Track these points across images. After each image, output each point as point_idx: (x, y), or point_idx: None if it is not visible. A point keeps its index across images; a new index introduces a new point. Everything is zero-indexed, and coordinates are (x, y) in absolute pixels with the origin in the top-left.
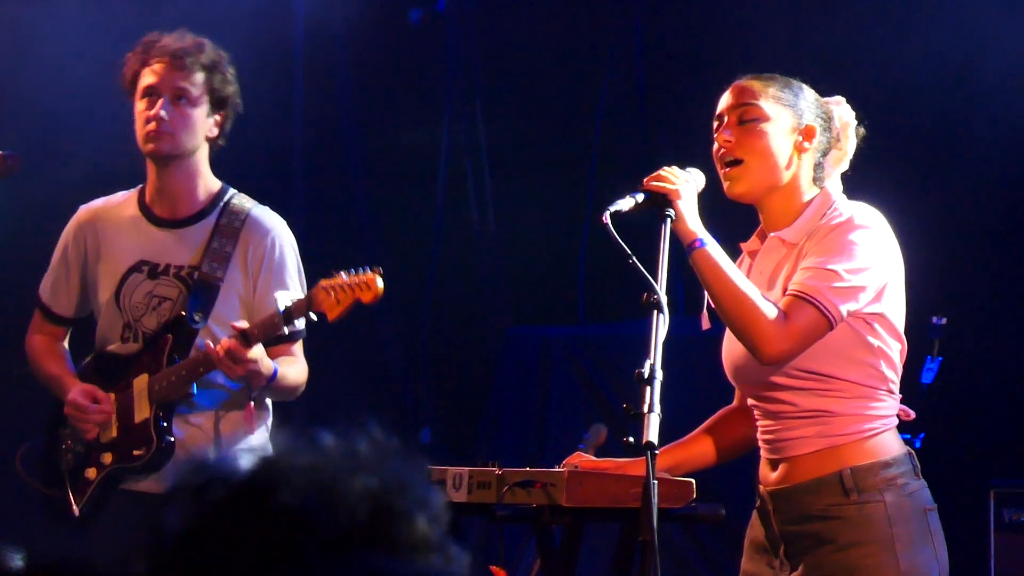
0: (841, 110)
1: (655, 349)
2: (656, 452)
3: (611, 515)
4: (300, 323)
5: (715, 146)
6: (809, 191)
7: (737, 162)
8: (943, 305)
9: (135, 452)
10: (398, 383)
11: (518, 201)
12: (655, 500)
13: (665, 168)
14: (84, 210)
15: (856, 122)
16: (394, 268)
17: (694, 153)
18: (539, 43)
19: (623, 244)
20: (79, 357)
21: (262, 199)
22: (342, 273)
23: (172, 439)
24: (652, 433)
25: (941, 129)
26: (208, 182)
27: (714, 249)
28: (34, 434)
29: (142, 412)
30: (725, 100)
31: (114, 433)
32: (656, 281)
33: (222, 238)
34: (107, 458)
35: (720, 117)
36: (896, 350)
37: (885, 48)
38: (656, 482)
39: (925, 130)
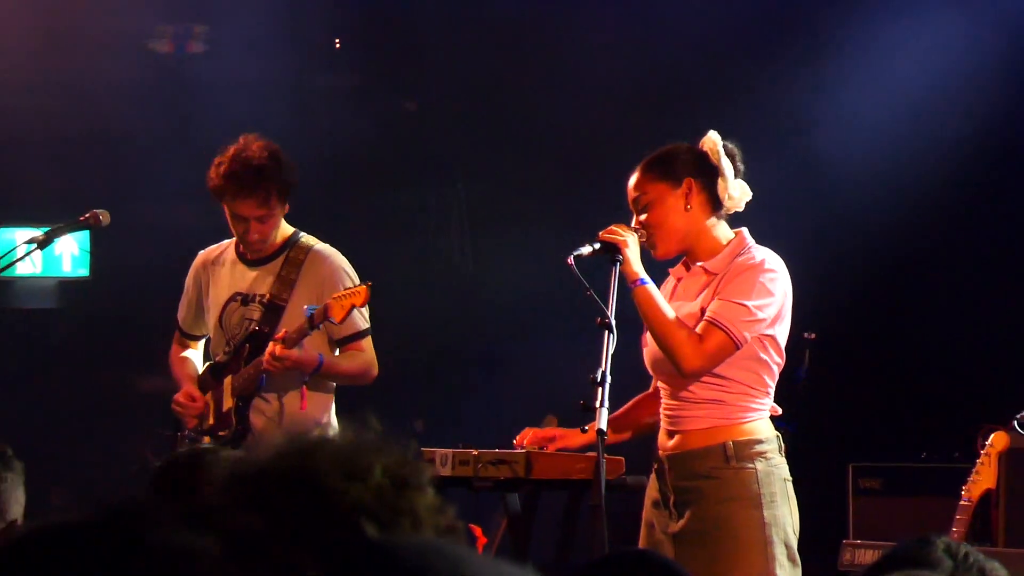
0: (708, 142)
1: (606, 359)
2: (605, 437)
3: (561, 485)
4: (354, 323)
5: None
6: (719, 226)
7: (650, 238)
8: (813, 321)
9: (220, 433)
10: (398, 388)
11: (492, 246)
12: (603, 473)
13: (615, 224)
14: (201, 255)
15: (722, 142)
16: (391, 298)
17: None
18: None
19: (583, 279)
20: None
21: None
22: (345, 289)
23: (246, 423)
24: (602, 422)
25: (811, 172)
26: (283, 231)
27: (651, 287)
28: (158, 427)
29: (227, 403)
30: (628, 194)
31: (211, 420)
32: (607, 308)
33: (289, 268)
34: (206, 440)
35: (634, 217)
36: (777, 363)
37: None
38: (604, 459)
39: (797, 174)
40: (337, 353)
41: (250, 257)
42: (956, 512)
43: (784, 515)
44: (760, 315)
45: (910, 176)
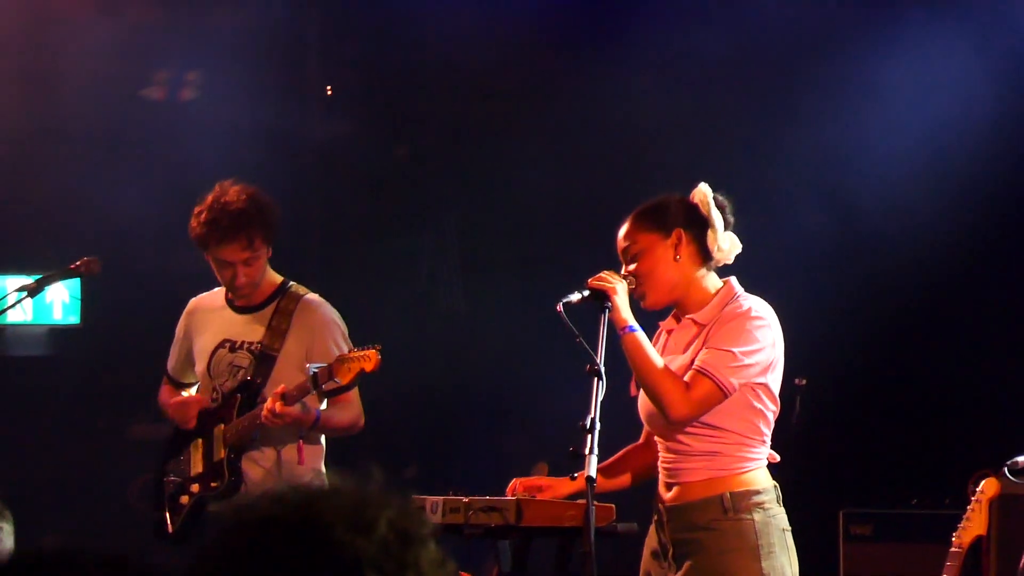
0: (698, 194)
1: (595, 406)
2: (595, 484)
3: (552, 532)
4: (339, 383)
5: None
6: (708, 277)
7: (639, 286)
8: (803, 367)
9: (212, 484)
10: (389, 434)
11: (485, 292)
12: (593, 520)
13: (605, 271)
14: (192, 302)
15: (712, 193)
16: (383, 343)
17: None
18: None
19: (572, 326)
20: None
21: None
22: (354, 349)
23: (239, 475)
24: (592, 469)
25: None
26: (271, 278)
27: (640, 335)
28: (144, 472)
29: (219, 453)
30: (618, 244)
31: (200, 468)
32: (596, 355)
33: (280, 318)
34: (195, 488)
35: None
36: (772, 411)
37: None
38: (594, 506)
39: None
40: (325, 404)
41: (239, 304)
42: (947, 559)
43: (783, 566)
44: (747, 361)
45: (900, 225)
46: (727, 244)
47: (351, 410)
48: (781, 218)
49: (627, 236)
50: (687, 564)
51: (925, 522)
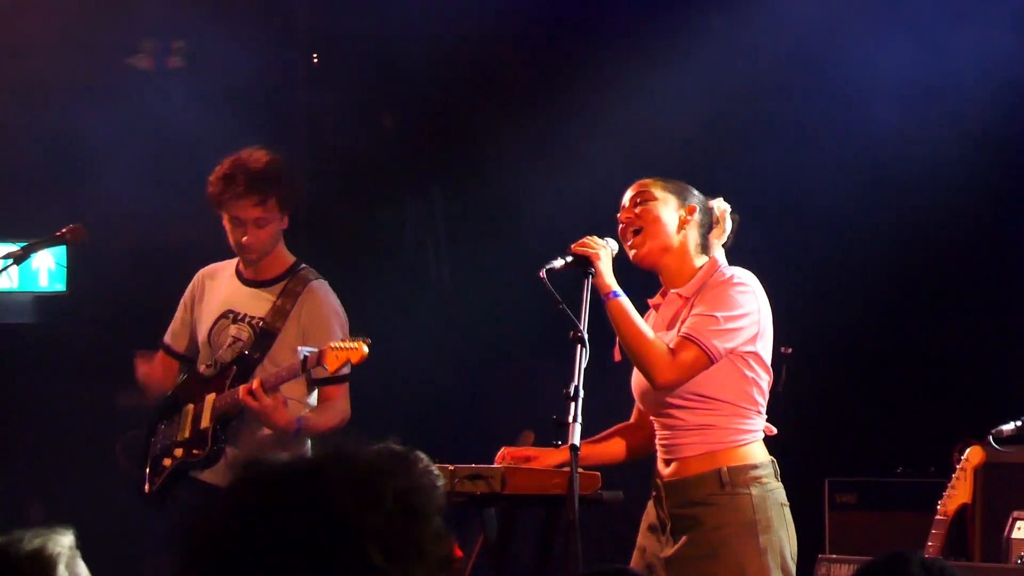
0: (719, 203)
1: (579, 374)
2: (578, 451)
3: (538, 501)
4: (326, 370)
5: (620, 227)
6: (698, 258)
7: (638, 231)
8: (789, 336)
9: (195, 451)
10: (375, 403)
11: (470, 260)
12: (577, 489)
13: (588, 237)
14: (202, 270)
15: (730, 209)
16: (368, 313)
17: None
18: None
19: (555, 293)
20: None
21: None
22: (342, 340)
23: (221, 445)
24: (575, 438)
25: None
26: (283, 257)
27: (624, 300)
28: (134, 427)
29: (205, 422)
30: (626, 195)
31: (187, 434)
32: (579, 322)
33: (286, 298)
34: (178, 452)
35: (623, 208)
36: (765, 380)
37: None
38: (578, 474)
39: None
40: (315, 395)
41: (248, 276)
42: (932, 527)
43: (781, 540)
44: (730, 326)
45: (885, 193)
46: (719, 253)
47: (336, 412)
48: (768, 188)
49: (645, 184)
50: (684, 539)
51: (910, 490)
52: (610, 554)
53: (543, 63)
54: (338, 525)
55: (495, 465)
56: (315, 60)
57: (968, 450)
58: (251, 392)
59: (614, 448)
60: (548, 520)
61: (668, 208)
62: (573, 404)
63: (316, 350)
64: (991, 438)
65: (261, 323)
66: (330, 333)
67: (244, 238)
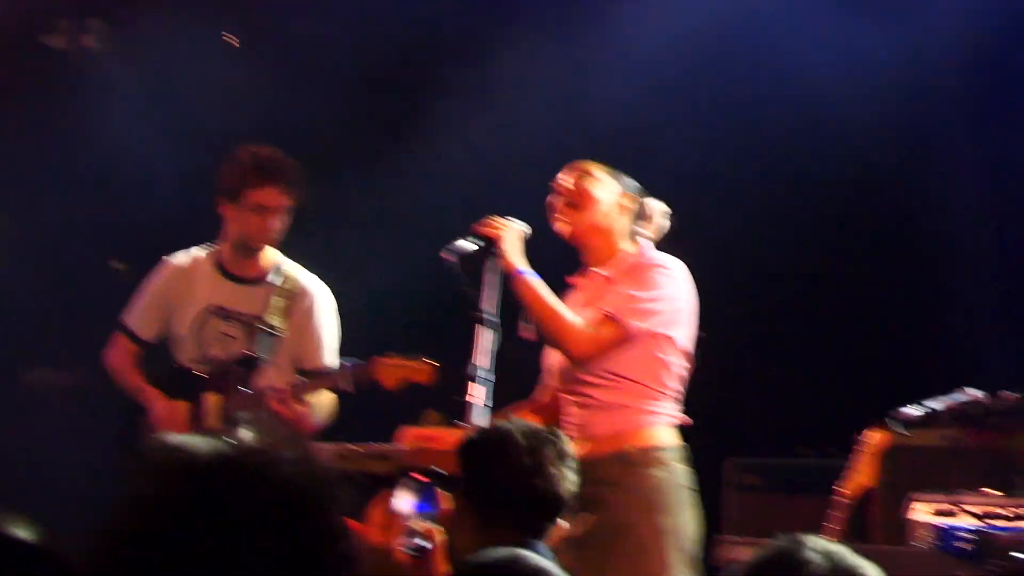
0: (656, 203)
1: (480, 353)
2: None
3: (437, 479)
4: (334, 363)
5: (551, 199)
6: (624, 242)
7: (572, 205)
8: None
9: None
10: None
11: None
12: None
13: (492, 217)
14: (169, 262)
15: (666, 210)
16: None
17: None
18: None
19: (459, 274)
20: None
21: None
22: (401, 356)
23: None
24: (476, 418)
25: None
26: (271, 253)
27: (532, 277)
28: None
29: (212, 422)
30: (564, 171)
31: (187, 432)
32: (482, 302)
33: (282, 298)
34: None
35: (558, 181)
36: (680, 367)
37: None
38: None
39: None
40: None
41: (234, 271)
42: (833, 509)
43: (683, 523)
44: (649, 306)
45: (791, 175)
46: (647, 243)
47: (329, 403)
48: (674, 168)
49: (586, 163)
50: (591, 519)
51: (813, 472)
52: None
53: (442, 44)
54: (246, 515)
55: (397, 445)
56: (235, 43)
57: (870, 432)
58: (281, 400)
59: None
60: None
61: (605, 190)
62: (476, 384)
63: (362, 363)
64: (892, 422)
65: (258, 322)
66: (329, 332)
67: (269, 224)
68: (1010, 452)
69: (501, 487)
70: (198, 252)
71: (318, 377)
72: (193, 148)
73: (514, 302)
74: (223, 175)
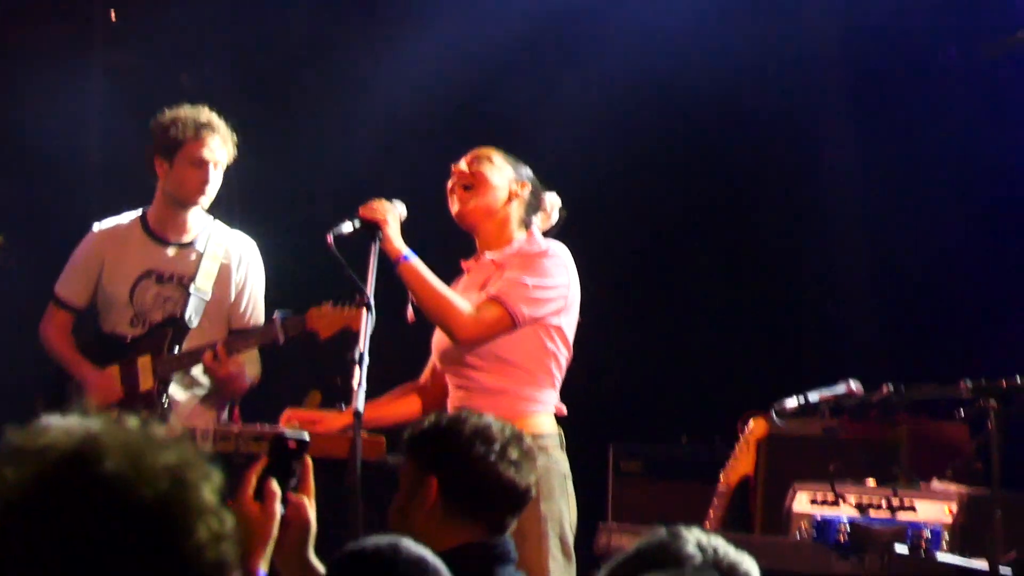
0: (552, 197)
1: (364, 339)
2: (362, 417)
3: (322, 464)
4: (261, 318)
5: (449, 183)
6: (518, 231)
7: (467, 187)
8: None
9: (142, 412)
10: None
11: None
12: (359, 454)
13: (375, 200)
14: (99, 228)
15: (560, 205)
16: None
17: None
18: None
19: (341, 259)
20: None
21: None
22: (330, 303)
23: (168, 405)
24: (360, 403)
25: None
26: (200, 213)
27: (415, 261)
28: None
29: (146, 383)
30: (471, 152)
31: (121, 395)
32: (366, 286)
33: (211, 259)
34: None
35: (456, 165)
36: (564, 355)
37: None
38: (361, 439)
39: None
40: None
41: (162, 234)
42: (714, 497)
43: (561, 510)
44: (538, 295)
45: (680, 141)
46: (538, 231)
47: (257, 367)
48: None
49: (487, 149)
50: None
51: (695, 460)
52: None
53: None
54: (109, 495)
55: (280, 427)
56: (113, 18)
57: (751, 421)
58: (215, 357)
59: (407, 407)
60: (330, 485)
61: (502, 176)
62: (358, 368)
63: (293, 315)
64: (773, 413)
65: (190, 283)
66: (259, 290)
67: (205, 178)
68: (889, 443)
69: (480, 475)
70: (125, 217)
71: (252, 333)
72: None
73: (398, 285)
74: (159, 132)
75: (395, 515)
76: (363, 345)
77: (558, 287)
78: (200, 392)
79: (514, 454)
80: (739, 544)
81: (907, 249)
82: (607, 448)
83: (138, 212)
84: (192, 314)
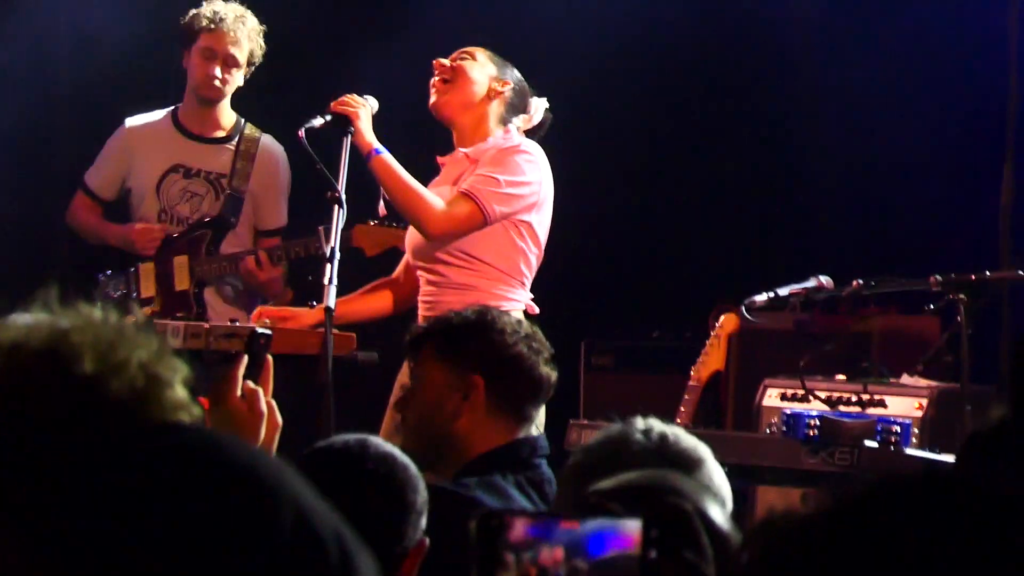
0: (539, 102)
1: (335, 235)
2: (333, 313)
3: (293, 360)
4: (284, 216)
5: (432, 79)
6: (496, 128)
7: (447, 81)
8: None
9: (177, 313)
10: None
11: None
12: (331, 351)
13: (347, 95)
14: (130, 124)
15: (547, 107)
16: None
17: None
18: None
19: (313, 153)
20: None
21: None
22: (376, 221)
23: (204, 307)
24: (331, 299)
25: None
26: (229, 113)
27: (387, 155)
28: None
29: (182, 283)
30: (456, 52)
31: (153, 292)
32: (337, 182)
33: (243, 160)
34: (147, 311)
35: (440, 60)
36: (534, 254)
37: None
38: (332, 336)
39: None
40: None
41: (194, 130)
42: (685, 392)
43: None
44: (511, 191)
45: (646, 57)
46: (516, 130)
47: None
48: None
49: (472, 47)
50: None
51: (666, 354)
52: (363, 415)
53: None
54: (80, 392)
55: (251, 324)
56: None
57: (723, 316)
58: (258, 263)
59: (379, 302)
60: (301, 380)
61: (483, 72)
62: (329, 265)
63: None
64: (744, 307)
65: (228, 186)
66: (286, 192)
67: (212, 71)
68: (859, 338)
69: (521, 370)
70: (157, 114)
71: (297, 244)
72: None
73: (370, 181)
74: (182, 24)
75: (421, 422)
76: (334, 241)
77: (530, 184)
78: (230, 292)
79: (537, 344)
80: (709, 439)
81: (880, 145)
82: (579, 343)
83: (170, 108)
84: (233, 217)
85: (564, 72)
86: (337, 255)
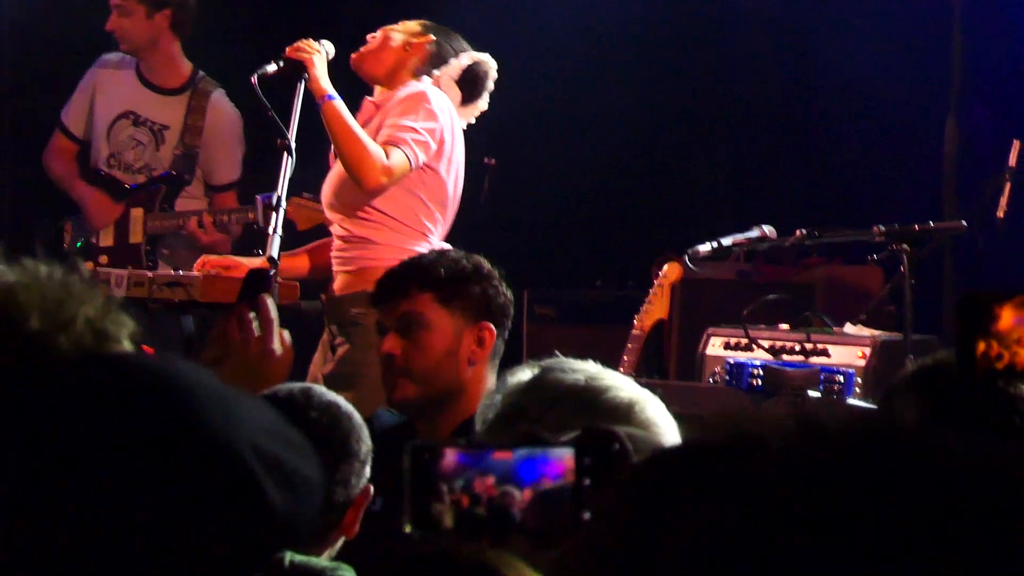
0: (472, 54)
1: (283, 184)
2: (278, 263)
3: (234, 309)
4: (236, 172)
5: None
6: (412, 79)
7: (363, 43)
8: (492, 147)
9: (127, 266)
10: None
11: None
12: (275, 299)
13: (302, 40)
14: (104, 58)
15: (493, 73)
16: None
17: None
18: None
19: (265, 100)
20: None
21: None
22: (309, 195)
23: (155, 263)
24: (274, 249)
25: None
26: (182, 65)
27: (339, 103)
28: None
29: (136, 236)
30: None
31: (111, 242)
32: (288, 130)
33: (195, 115)
34: (103, 260)
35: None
36: (439, 204)
37: None
38: (277, 284)
39: None
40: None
41: (150, 80)
42: (628, 341)
43: None
44: (427, 139)
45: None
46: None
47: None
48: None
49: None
50: (337, 356)
51: (609, 304)
52: (308, 365)
53: None
54: (27, 348)
55: (194, 272)
56: None
57: (666, 266)
58: (200, 224)
59: (321, 257)
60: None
61: (403, 29)
62: (275, 215)
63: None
64: (687, 257)
65: (165, 133)
66: (235, 150)
67: (109, 22)
68: (802, 288)
69: (510, 311)
70: (127, 56)
71: (235, 211)
72: None
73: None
74: None
75: (429, 371)
76: (281, 190)
77: (435, 129)
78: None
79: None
80: (653, 388)
81: (823, 95)
82: (522, 293)
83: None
84: (187, 174)
85: (514, 25)
86: (284, 204)
